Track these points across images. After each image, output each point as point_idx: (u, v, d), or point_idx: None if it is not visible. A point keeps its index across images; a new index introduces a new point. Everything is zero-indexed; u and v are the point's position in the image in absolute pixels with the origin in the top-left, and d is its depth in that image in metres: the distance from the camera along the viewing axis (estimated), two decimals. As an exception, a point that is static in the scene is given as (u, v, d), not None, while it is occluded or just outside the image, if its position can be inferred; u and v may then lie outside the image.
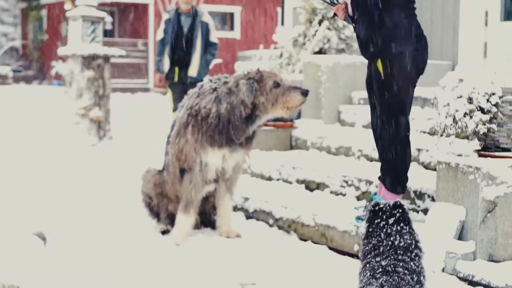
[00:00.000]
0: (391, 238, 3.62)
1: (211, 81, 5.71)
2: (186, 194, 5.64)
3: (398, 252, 3.56)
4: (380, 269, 3.49)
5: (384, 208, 3.75)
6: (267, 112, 5.52)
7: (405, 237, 3.63)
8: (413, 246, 3.61)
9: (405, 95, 5.27)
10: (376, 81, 5.32)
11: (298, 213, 5.93)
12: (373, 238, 3.69)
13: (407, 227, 3.70)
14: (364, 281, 3.53)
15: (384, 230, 3.66)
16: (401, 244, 3.59)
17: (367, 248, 3.70)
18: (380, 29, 5.21)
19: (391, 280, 3.42)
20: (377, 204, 3.77)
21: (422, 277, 3.52)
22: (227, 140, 5.49)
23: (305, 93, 5.50)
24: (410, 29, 5.25)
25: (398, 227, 3.67)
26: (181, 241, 5.61)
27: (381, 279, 3.44)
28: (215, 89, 5.58)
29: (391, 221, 3.70)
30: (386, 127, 5.30)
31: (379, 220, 3.72)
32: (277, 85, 5.47)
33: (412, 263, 3.54)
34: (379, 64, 5.25)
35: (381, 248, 3.60)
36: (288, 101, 5.47)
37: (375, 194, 5.57)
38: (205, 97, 5.56)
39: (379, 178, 5.47)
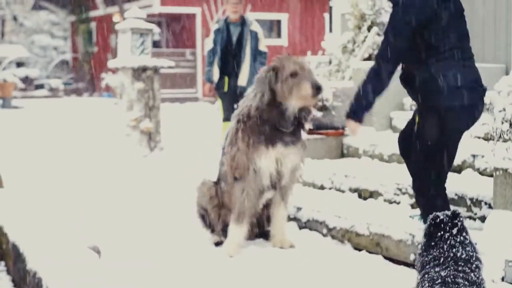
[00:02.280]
0: (454, 250, 3.54)
1: None
2: (239, 204, 5.59)
3: (459, 263, 3.49)
4: (440, 280, 3.42)
5: (444, 220, 3.68)
6: (286, 100, 5.47)
7: (467, 248, 3.55)
8: (474, 258, 3.54)
9: (439, 152, 4.99)
10: (413, 132, 5.19)
11: (352, 222, 5.86)
12: (435, 250, 3.61)
13: (468, 237, 3.62)
14: (422, 292, 3.47)
15: (448, 241, 3.58)
16: (463, 255, 3.52)
17: (426, 259, 3.63)
18: (417, 81, 5.05)
19: (450, 291, 3.35)
20: (437, 216, 3.70)
21: (482, 288, 3.44)
22: (273, 133, 5.49)
23: (315, 85, 5.40)
24: (455, 82, 4.85)
25: (461, 238, 3.59)
26: (234, 253, 5.57)
27: (440, 290, 3.37)
28: None
29: (454, 231, 3.62)
30: (416, 178, 5.21)
31: (442, 232, 3.64)
32: (295, 74, 5.44)
33: (472, 274, 3.46)
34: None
35: (442, 259, 3.53)
36: (301, 90, 5.43)
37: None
38: (248, 99, 5.64)
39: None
